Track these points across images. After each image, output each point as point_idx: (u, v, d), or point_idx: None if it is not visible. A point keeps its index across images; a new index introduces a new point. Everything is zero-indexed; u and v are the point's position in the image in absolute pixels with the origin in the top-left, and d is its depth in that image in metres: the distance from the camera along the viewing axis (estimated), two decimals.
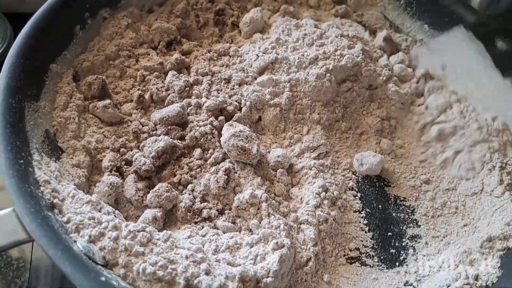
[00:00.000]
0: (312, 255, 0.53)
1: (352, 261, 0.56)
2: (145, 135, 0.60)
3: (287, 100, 0.63)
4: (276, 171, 0.59)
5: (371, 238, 0.58)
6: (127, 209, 0.55)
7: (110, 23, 0.68)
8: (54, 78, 0.59)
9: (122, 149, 0.59)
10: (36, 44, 0.57)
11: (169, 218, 0.56)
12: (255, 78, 0.66)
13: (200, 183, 0.57)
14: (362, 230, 0.59)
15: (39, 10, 0.60)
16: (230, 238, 0.52)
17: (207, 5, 0.74)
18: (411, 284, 0.54)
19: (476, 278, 0.51)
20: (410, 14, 0.77)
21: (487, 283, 0.50)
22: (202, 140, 0.60)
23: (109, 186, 0.54)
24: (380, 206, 0.61)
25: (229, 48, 0.70)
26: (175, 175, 0.57)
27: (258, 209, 0.54)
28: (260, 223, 0.53)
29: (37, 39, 0.57)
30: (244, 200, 0.54)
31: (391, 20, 0.78)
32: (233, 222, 0.55)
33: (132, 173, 0.56)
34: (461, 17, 0.71)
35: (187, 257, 0.47)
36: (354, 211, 0.60)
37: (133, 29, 0.69)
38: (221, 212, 0.56)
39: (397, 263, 0.56)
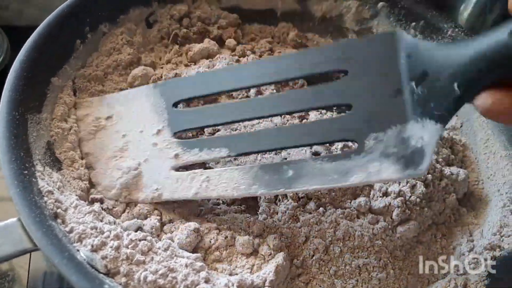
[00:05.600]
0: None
1: None
2: None
3: None
4: None
5: None
6: None
7: (108, 39, 0.70)
8: (55, 91, 0.61)
9: None
10: (38, 58, 0.58)
11: None
12: None
13: None
14: None
15: (41, 24, 0.61)
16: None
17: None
18: None
19: (465, 286, 0.52)
20: None
21: None
22: None
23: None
24: None
25: None
26: None
27: None
28: None
29: (39, 53, 0.59)
30: None
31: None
32: None
33: None
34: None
35: (186, 265, 0.48)
36: None
37: (131, 45, 0.71)
38: None
39: None
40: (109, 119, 0.59)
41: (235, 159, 0.56)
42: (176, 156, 0.54)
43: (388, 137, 0.44)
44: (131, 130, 0.57)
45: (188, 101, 0.57)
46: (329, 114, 0.62)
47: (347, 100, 0.47)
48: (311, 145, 0.56)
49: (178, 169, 0.54)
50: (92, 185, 0.57)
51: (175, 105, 0.55)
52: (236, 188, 0.51)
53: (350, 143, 0.55)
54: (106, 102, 0.60)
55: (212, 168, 0.56)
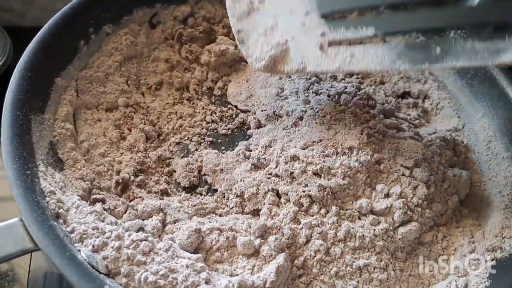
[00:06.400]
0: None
1: None
2: None
3: None
4: None
5: None
6: None
7: (111, 39, 0.70)
8: (59, 91, 0.61)
9: None
10: (42, 59, 0.59)
11: None
12: None
13: None
14: None
15: (45, 25, 0.62)
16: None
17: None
18: None
19: (466, 287, 0.52)
20: None
21: None
22: None
23: None
24: None
25: None
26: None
27: None
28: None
29: (43, 53, 0.59)
30: None
31: None
32: None
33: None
34: None
35: (187, 266, 0.48)
36: None
37: (135, 45, 0.71)
38: None
39: None
40: (261, 2, 0.61)
41: (381, 40, 0.56)
42: (323, 34, 0.55)
43: None
44: (281, 12, 0.60)
45: None
46: None
47: None
48: (463, 26, 0.53)
49: (324, 46, 0.55)
50: (93, 185, 0.57)
51: None
52: (380, 63, 0.52)
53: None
54: None
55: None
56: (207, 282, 0.48)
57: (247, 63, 0.64)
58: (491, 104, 0.68)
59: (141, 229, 0.53)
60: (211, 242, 0.53)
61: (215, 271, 0.51)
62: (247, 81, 0.72)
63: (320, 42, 0.55)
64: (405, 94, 0.74)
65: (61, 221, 0.49)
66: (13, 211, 0.48)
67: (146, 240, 0.49)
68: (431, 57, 0.50)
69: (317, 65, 0.55)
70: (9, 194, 0.48)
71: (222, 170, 0.60)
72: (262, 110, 0.67)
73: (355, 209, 0.56)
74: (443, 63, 0.50)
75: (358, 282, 0.53)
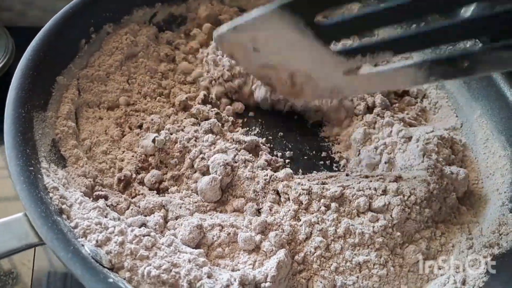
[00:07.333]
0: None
1: None
2: None
3: None
4: None
5: None
6: None
7: (111, 38, 0.71)
8: (61, 90, 0.62)
9: None
10: (44, 57, 0.59)
11: None
12: None
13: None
14: None
15: (46, 24, 0.62)
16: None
17: None
18: None
19: (464, 282, 0.53)
20: None
21: (474, 287, 0.53)
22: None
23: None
24: None
25: None
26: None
27: None
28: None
29: (44, 52, 0.60)
30: None
31: None
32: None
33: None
34: None
35: (189, 261, 0.49)
36: None
37: (135, 44, 0.72)
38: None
39: None
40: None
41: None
42: (342, 63, 0.52)
43: None
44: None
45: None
46: None
47: None
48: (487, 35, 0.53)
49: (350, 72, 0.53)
50: (96, 182, 0.57)
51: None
52: (414, 80, 0.52)
53: None
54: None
55: None
56: (209, 276, 0.48)
57: None
58: (488, 103, 0.69)
59: (143, 225, 0.53)
60: (213, 238, 0.53)
61: (217, 266, 0.52)
62: None
63: (346, 69, 0.53)
64: (403, 93, 0.75)
65: (64, 216, 0.49)
66: (16, 211, 0.48)
67: (149, 235, 0.50)
68: (460, 71, 0.49)
69: (353, 90, 0.56)
70: (12, 194, 0.48)
71: None
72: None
73: (354, 207, 0.57)
74: (472, 75, 0.51)
75: (357, 277, 0.53)
